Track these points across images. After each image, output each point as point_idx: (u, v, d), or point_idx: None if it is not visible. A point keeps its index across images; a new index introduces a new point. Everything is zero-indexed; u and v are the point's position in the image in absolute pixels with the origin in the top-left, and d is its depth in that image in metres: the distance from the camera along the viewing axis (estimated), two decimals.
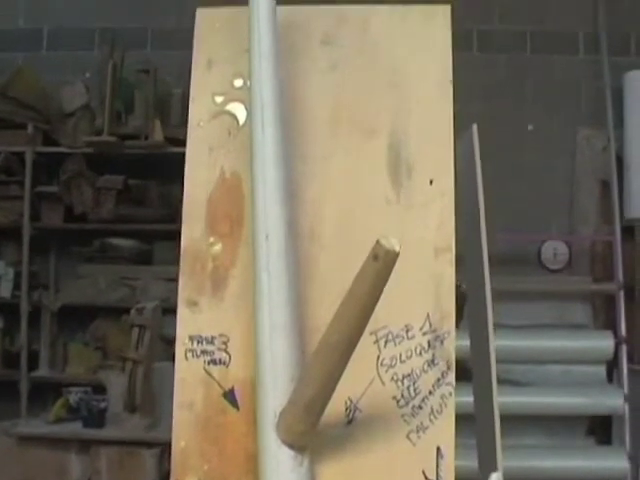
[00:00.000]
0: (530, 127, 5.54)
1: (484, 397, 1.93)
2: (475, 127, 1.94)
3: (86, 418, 4.29)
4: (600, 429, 4.97)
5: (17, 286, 5.51)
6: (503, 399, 4.98)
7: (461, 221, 2.05)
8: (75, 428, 4.29)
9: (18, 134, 5.43)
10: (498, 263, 5.36)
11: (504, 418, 5.01)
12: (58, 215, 5.50)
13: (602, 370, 4.90)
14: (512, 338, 4.84)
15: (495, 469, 1.80)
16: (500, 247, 5.42)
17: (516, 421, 4.69)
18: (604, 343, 4.83)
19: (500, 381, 5.09)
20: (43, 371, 5.48)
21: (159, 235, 5.32)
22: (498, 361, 5.15)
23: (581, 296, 5.19)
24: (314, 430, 1.48)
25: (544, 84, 5.50)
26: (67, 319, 5.57)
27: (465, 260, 2.14)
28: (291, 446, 1.46)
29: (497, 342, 4.91)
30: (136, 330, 4.42)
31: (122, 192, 5.41)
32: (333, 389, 1.38)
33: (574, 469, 4.66)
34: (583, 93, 5.49)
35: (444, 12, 1.78)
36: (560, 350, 4.87)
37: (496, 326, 5.14)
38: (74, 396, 4.43)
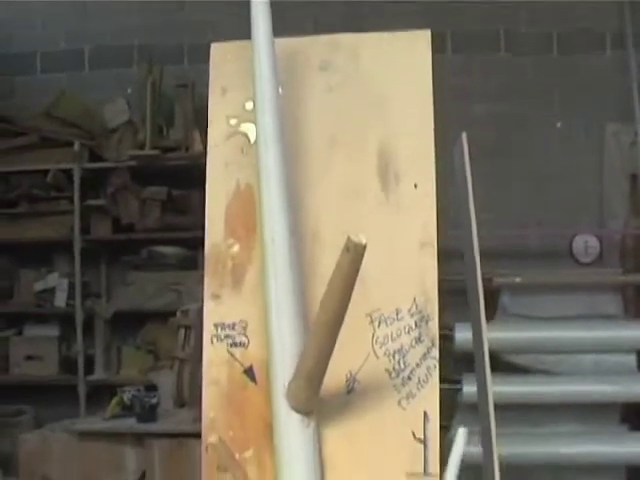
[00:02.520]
0: (559, 125, 5.63)
1: (481, 384, 2.12)
2: (464, 135, 2.17)
3: (139, 414, 4.48)
4: (634, 417, 4.99)
5: (71, 296, 5.73)
6: (536, 388, 5.12)
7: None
8: (130, 423, 4.49)
9: (65, 152, 5.60)
10: (530, 257, 5.54)
11: (537, 407, 5.17)
12: (106, 227, 5.69)
13: (633, 359, 4.89)
14: (544, 329, 4.87)
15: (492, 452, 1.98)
16: (532, 242, 5.57)
17: (550, 410, 4.80)
18: (634, 333, 4.87)
19: (533, 371, 5.22)
20: (99, 374, 5.71)
21: (202, 241, 5.47)
22: (531, 351, 5.28)
23: (612, 288, 5.20)
24: (317, 397, 1.70)
25: (571, 82, 5.58)
26: (119, 325, 5.76)
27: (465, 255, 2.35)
28: (298, 411, 1.69)
29: (530, 333, 5.04)
30: (182, 331, 4.65)
31: (166, 202, 5.57)
32: (327, 360, 1.61)
33: (607, 455, 4.72)
34: (610, 89, 5.56)
35: (425, 36, 1.97)
36: (591, 340, 4.85)
37: (529, 318, 5.24)
38: (128, 394, 4.60)
